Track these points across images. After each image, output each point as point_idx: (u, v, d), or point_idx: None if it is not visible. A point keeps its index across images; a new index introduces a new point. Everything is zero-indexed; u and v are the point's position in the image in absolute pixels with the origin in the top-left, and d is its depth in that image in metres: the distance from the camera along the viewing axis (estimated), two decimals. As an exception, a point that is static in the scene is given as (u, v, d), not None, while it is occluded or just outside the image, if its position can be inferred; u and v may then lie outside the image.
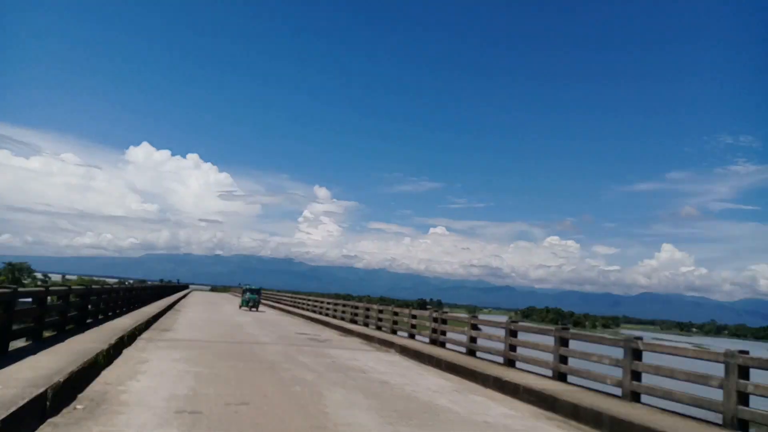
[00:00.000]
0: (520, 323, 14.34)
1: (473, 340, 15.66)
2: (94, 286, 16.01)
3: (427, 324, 18.72)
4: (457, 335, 17.49)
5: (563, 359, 11.99)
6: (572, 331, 12.52)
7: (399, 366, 14.45)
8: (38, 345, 10.99)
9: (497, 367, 13.42)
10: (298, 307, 41.64)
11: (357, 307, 27.67)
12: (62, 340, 12.04)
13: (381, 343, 19.28)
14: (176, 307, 35.88)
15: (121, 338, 13.46)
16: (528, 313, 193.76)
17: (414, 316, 20.35)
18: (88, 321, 15.99)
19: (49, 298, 12.69)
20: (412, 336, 20.01)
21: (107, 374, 10.11)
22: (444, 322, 17.90)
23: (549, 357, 12.36)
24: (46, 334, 12.60)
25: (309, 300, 40.46)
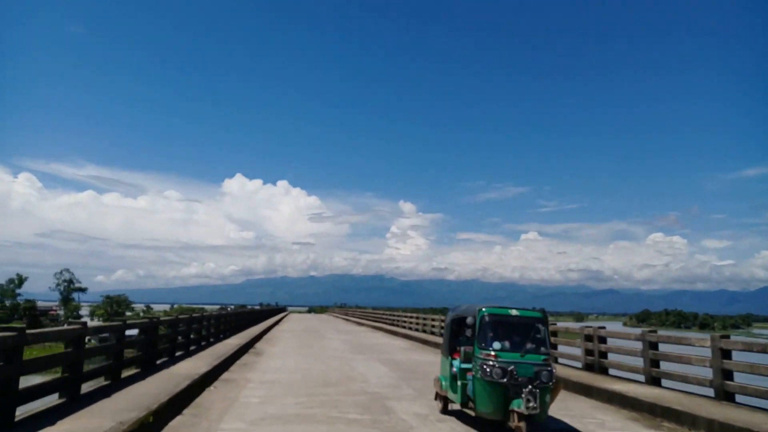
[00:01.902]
0: (663, 333, 11.99)
1: (602, 354, 13.39)
2: (162, 318, 15.15)
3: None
4: (572, 349, 15.27)
5: (727, 375, 9.61)
6: (736, 338, 10.10)
7: None
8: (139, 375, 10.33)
9: (643, 388, 11.19)
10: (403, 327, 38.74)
11: None
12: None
13: None
14: (267, 336, 29.39)
15: None
16: (643, 318, 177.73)
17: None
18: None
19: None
20: None
21: None
22: (553, 334, 15.65)
23: (706, 372, 10.02)
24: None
25: (408, 318, 36.90)
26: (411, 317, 35.69)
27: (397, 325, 38.12)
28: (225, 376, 13.86)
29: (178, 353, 15.29)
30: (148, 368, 12.22)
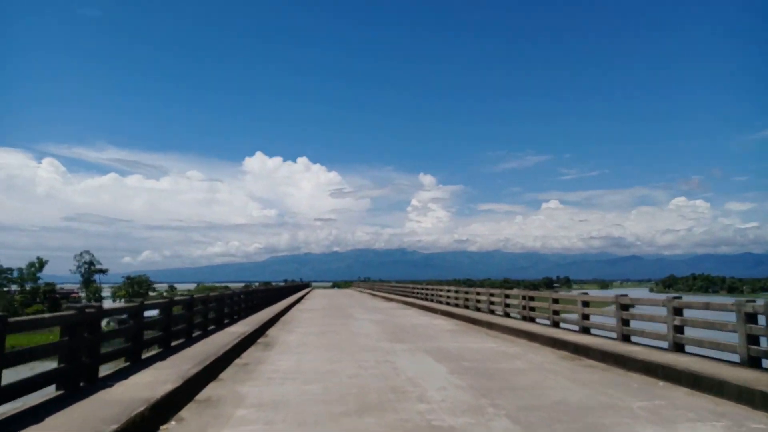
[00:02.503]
0: (688, 299, 12.10)
1: (625, 322, 13.57)
2: (176, 298, 14.70)
3: (572, 307, 16.28)
4: (601, 318, 15.44)
5: None
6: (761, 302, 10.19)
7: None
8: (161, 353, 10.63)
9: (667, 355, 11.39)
10: (426, 299, 37.55)
11: (492, 294, 23.57)
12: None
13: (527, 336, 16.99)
14: (285, 318, 25.20)
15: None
16: (669, 283, 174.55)
17: (556, 300, 17.86)
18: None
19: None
20: (556, 324, 17.70)
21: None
22: (585, 304, 15.83)
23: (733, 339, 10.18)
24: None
25: (446, 292, 32.44)
26: (449, 290, 30.85)
27: (432, 300, 33.68)
28: (207, 392, 9.02)
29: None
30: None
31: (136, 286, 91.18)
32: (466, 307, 26.31)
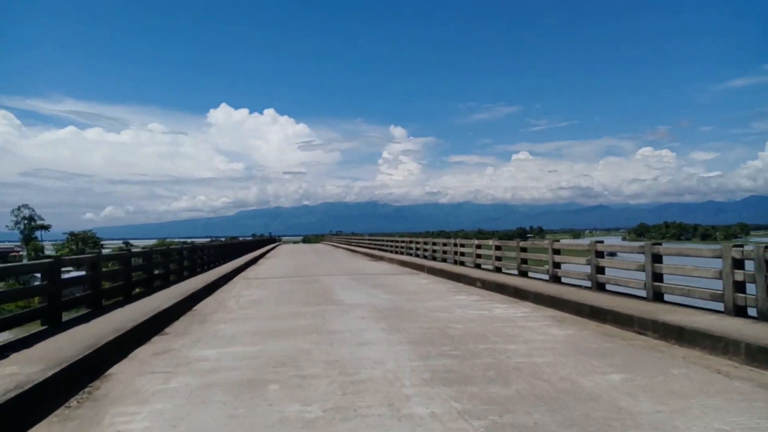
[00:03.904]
0: (667, 245, 11.23)
1: (600, 270, 12.72)
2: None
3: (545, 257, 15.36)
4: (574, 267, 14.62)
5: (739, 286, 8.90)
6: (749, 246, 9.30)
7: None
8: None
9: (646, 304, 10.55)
10: (390, 251, 36.72)
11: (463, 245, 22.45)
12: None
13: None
14: (219, 295, 15.28)
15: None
16: (641, 231, 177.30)
17: (524, 249, 17.07)
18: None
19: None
20: (523, 273, 16.87)
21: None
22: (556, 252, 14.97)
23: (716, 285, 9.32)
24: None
25: (394, 242, 34.88)
26: (461, 245, 22.57)
27: (435, 258, 25.46)
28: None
29: None
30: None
31: (81, 243, 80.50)
32: (498, 270, 19.16)
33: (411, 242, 31.70)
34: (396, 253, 33.99)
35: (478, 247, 20.72)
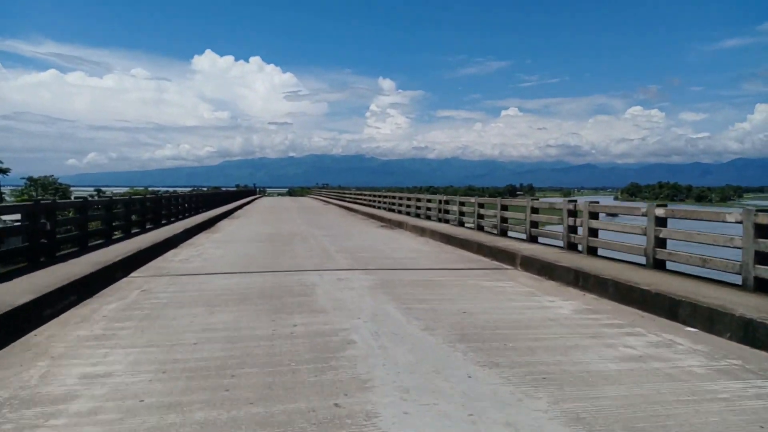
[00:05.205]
0: (678, 207, 9.84)
1: (593, 232, 11.37)
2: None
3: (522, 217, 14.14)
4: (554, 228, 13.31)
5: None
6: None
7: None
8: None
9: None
10: (369, 206, 35.56)
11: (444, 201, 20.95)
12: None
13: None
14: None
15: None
16: (633, 191, 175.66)
17: (505, 207, 15.78)
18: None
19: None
20: (503, 232, 15.64)
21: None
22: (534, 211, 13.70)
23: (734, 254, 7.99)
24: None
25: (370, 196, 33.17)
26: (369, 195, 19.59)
27: (462, 224, 19.26)
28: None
29: None
30: None
31: (41, 190, 72.66)
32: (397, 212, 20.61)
33: (429, 200, 23.51)
34: (403, 214, 26.48)
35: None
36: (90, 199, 14.54)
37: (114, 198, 15.88)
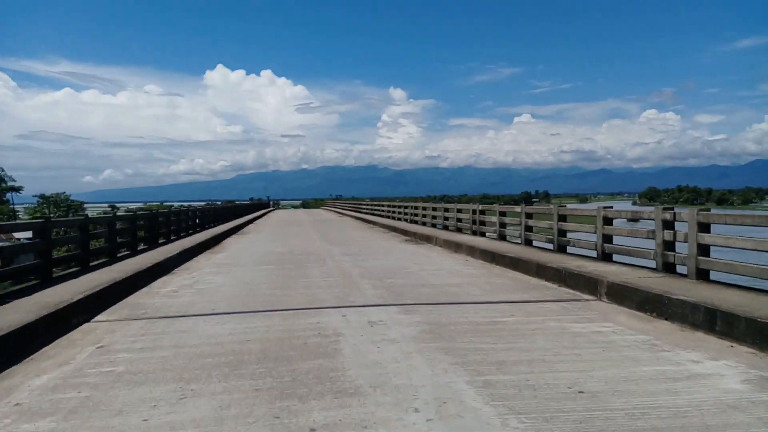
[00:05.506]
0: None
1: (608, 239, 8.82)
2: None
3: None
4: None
5: None
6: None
7: None
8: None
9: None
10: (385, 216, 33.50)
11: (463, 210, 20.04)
12: None
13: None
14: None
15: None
16: (652, 196, 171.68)
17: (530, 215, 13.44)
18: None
19: None
20: (528, 242, 13.12)
21: None
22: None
23: None
24: None
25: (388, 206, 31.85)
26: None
27: (482, 233, 17.97)
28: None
29: None
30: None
31: (53, 207, 70.32)
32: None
33: (459, 210, 20.78)
34: (428, 226, 23.99)
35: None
36: (56, 219, 12.01)
37: (90, 217, 13.19)
